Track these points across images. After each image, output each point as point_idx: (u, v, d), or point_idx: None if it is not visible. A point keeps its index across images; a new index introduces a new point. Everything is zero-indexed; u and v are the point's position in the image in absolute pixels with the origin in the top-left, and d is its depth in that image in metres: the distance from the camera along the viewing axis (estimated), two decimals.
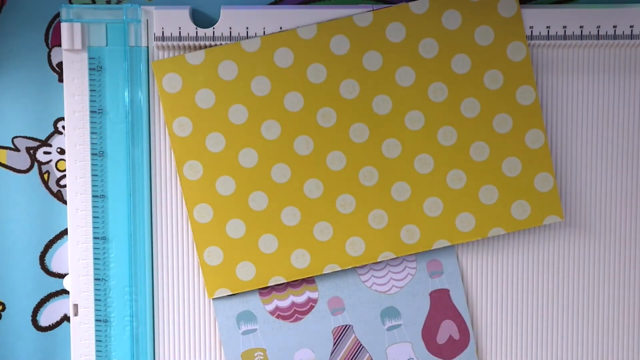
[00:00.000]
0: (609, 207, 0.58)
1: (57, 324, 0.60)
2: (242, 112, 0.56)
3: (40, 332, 0.59)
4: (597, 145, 0.58)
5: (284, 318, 0.58)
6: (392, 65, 0.56)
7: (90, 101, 0.57)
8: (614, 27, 0.56)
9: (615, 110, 0.58)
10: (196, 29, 0.56)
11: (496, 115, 0.56)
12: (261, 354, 0.58)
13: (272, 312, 0.58)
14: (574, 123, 0.58)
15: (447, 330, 0.58)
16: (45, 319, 0.59)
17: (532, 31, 0.56)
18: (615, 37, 0.56)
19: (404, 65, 0.56)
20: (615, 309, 0.59)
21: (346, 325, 0.58)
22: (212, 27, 0.56)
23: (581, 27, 0.56)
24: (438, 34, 0.56)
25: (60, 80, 0.58)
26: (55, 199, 0.59)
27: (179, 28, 0.56)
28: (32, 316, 0.59)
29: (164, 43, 0.56)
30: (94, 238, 0.57)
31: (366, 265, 0.58)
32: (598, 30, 0.56)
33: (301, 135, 0.57)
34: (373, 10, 0.56)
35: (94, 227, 0.57)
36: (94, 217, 0.57)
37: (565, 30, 0.56)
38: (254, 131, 0.56)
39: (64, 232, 0.59)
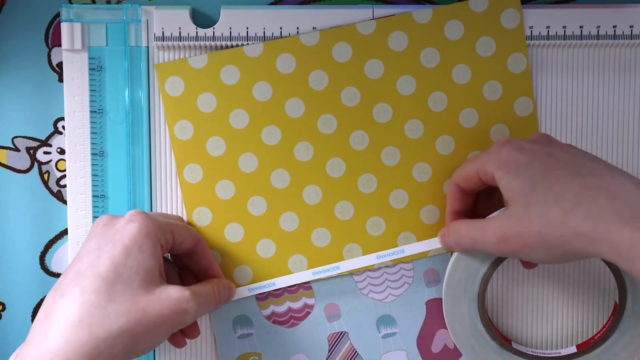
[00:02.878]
0: None
1: None
2: (243, 117, 0.56)
3: None
4: (597, 145, 0.58)
5: (280, 323, 0.58)
6: (393, 73, 0.56)
7: (90, 101, 0.57)
8: (614, 27, 0.56)
9: (615, 111, 0.58)
10: (196, 29, 0.56)
11: (494, 126, 0.56)
12: (256, 358, 0.58)
13: (268, 317, 0.58)
14: (574, 123, 0.57)
15: (442, 339, 0.58)
16: None
17: (532, 31, 0.56)
18: (615, 37, 0.56)
19: (405, 74, 0.56)
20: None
21: (342, 332, 0.58)
22: (212, 27, 0.56)
23: (581, 27, 0.56)
24: (440, 44, 0.56)
25: (60, 80, 0.58)
26: (55, 199, 0.59)
27: (179, 28, 0.56)
28: (32, 316, 0.59)
29: (164, 43, 0.56)
30: None
31: (363, 272, 0.58)
32: (598, 30, 0.56)
33: (301, 141, 0.57)
34: (375, 19, 0.56)
35: None
36: (94, 217, 0.57)
37: (565, 30, 0.56)
38: (255, 136, 0.56)
39: (64, 232, 0.59)
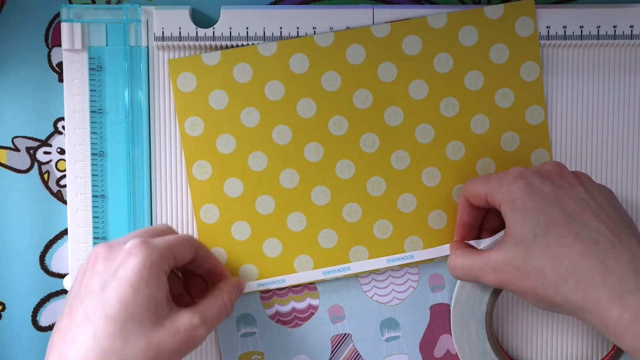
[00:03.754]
0: None
1: None
2: (254, 115, 0.56)
3: (40, 332, 0.59)
4: (596, 145, 0.58)
5: (284, 323, 0.58)
6: (406, 77, 0.56)
7: (90, 101, 0.56)
8: (614, 27, 0.57)
9: (615, 111, 0.58)
10: (196, 29, 0.56)
11: (504, 133, 0.57)
12: (259, 357, 0.58)
13: (272, 317, 0.58)
14: (573, 123, 0.58)
15: (445, 344, 0.59)
16: (45, 319, 0.59)
17: None
18: (615, 37, 0.57)
19: (418, 78, 0.56)
20: None
21: (345, 334, 0.58)
22: (212, 27, 0.56)
23: (581, 27, 0.57)
24: (454, 50, 0.56)
25: (60, 80, 0.58)
26: (55, 199, 0.58)
27: (179, 28, 0.56)
28: (32, 316, 0.58)
29: (164, 43, 0.56)
30: (94, 238, 0.57)
31: (369, 274, 0.58)
32: (598, 30, 0.57)
33: (312, 142, 0.57)
34: (390, 22, 0.56)
35: (94, 227, 0.57)
36: (94, 217, 0.57)
37: (565, 30, 0.57)
38: (265, 135, 0.56)
39: (64, 232, 0.58)
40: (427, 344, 0.59)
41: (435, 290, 0.58)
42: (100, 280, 0.48)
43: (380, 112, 0.56)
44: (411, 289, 0.58)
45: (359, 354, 0.58)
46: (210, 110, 0.56)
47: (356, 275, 0.58)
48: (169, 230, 0.55)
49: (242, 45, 0.56)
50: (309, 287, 0.58)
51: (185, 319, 0.48)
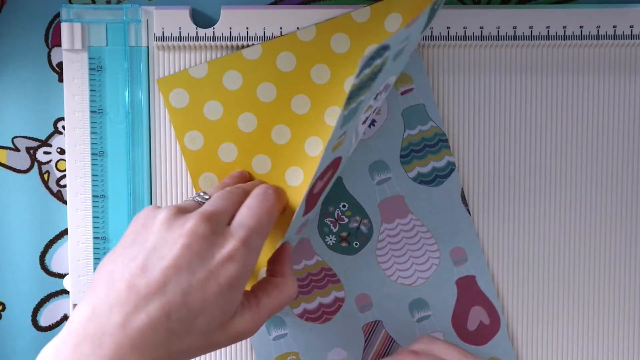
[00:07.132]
0: (609, 203, 0.58)
1: (57, 324, 0.59)
2: (251, 119, 0.56)
3: (40, 332, 0.58)
4: (596, 146, 0.58)
5: (313, 320, 0.57)
6: None
7: (90, 101, 0.56)
8: (614, 27, 0.56)
9: (614, 111, 0.58)
10: (196, 29, 0.56)
11: None
12: (294, 357, 0.57)
13: (300, 316, 0.57)
14: (574, 123, 0.58)
15: (476, 316, 0.57)
16: (45, 319, 0.58)
17: (532, 31, 0.56)
18: (615, 37, 0.56)
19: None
20: None
21: (376, 321, 0.57)
22: (212, 27, 0.56)
23: (581, 27, 0.56)
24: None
25: (60, 80, 0.58)
26: (55, 199, 0.58)
27: (179, 28, 0.56)
28: (32, 316, 0.58)
29: (164, 43, 0.56)
30: (94, 238, 0.56)
31: (390, 258, 0.57)
32: (598, 30, 0.56)
33: (312, 136, 0.56)
34: (370, 5, 0.56)
35: (94, 227, 0.56)
36: (94, 217, 0.56)
37: (565, 30, 0.56)
38: (265, 137, 0.56)
39: (64, 232, 0.58)
40: (458, 318, 0.57)
41: (458, 264, 0.57)
42: (191, 268, 0.44)
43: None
44: (434, 266, 0.57)
45: (392, 339, 0.57)
46: (206, 122, 0.56)
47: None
48: (246, 188, 0.51)
49: (243, 45, 0.56)
50: (332, 280, 0.57)
51: (246, 326, 0.46)
